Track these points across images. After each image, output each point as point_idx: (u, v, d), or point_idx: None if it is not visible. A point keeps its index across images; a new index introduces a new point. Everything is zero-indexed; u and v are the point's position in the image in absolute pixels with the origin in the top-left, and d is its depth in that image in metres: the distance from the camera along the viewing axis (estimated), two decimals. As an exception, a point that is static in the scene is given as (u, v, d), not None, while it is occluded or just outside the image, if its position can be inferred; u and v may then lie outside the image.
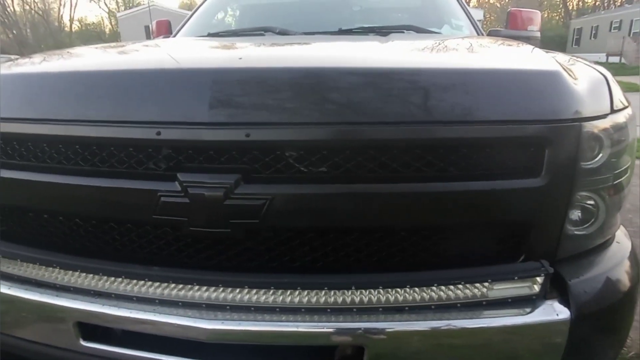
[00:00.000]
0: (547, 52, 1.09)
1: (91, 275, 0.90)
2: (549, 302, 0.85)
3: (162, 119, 0.82)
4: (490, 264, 0.85)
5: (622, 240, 1.04)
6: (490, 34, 2.37)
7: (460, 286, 0.81)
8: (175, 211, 0.83)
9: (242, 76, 0.82)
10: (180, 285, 0.85)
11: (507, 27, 2.45)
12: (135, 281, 0.87)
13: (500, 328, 0.82)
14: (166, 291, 0.86)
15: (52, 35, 37.98)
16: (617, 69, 19.81)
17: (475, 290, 0.83)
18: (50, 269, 0.92)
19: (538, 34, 2.43)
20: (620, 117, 0.92)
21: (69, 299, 0.90)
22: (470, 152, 0.80)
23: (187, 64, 0.87)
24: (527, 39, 2.32)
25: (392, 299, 0.81)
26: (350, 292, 0.81)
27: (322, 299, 0.82)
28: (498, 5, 44.37)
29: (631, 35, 24.03)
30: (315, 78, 0.82)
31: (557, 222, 0.87)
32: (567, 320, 0.82)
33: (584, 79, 0.91)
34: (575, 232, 0.93)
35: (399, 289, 0.81)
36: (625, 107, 0.96)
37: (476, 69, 0.84)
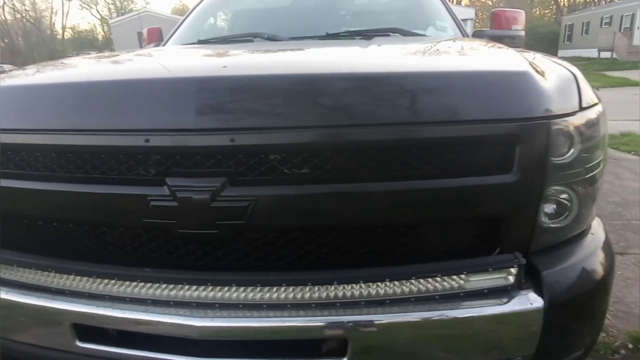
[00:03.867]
0: (521, 52, 1.14)
1: (85, 278, 0.93)
2: (524, 292, 0.89)
3: (150, 127, 0.86)
4: (467, 257, 0.89)
5: (596, 231, 1.09)
6: (475, 35, 2.42)
7: (438, 279, 0.85)
8: (165, 214, 0.87)
9: (225, 84, 0.86)
10: (172, 285, 0.89)
11: (492, 27, 2.50)
12: (128, 282, 0.91)
13: (477, 318, 0.86)
14: (158, 291, 0.90)
15: (45, 44, 37.89)
16: (609, 65, 19.93)
17: (453, 283, 0.87)
18: (46, 273, 0.96)
19: (522, 33, 2.48)
20: (590, 114, 0.97)
21: (64, 302, 0.94)
22: (445, 150, 0.85)
23: (172, 73, 0.91)
24: (512, 39, 2.38)
25: (373, 292, 0.85)
26: (333, 288, 0.85)
27: (307, 295, 0.86)
28: (490, 3, 44.62)
29: (622, 30, 24.24)
30: (294, 83, 0.86)
31: (530, 216, 0.91)
32: (541, 309, 0.86)
33: (554, 78, 0.95)
34: (551, 225, 0.97)
35: (379, 283, 0.85)
36: (595, 104, 1.00)
37: (449, 72, 0.89)
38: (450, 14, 2.27)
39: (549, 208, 0.97)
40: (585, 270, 0.97)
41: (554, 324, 0.88)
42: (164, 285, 0.89)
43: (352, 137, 0.83)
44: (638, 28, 23.57)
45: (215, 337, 0.87)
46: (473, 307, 0.86)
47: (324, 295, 0.85)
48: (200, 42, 2.12)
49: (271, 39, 1.94)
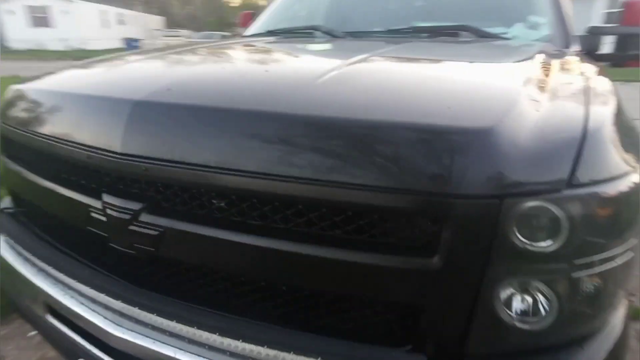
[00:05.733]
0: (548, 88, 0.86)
1: (51, 266, 1.07)
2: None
3: (91, 144, 0.91)
4: (369, 342, 0.75)
5: (596, 342, 0.80)
6: (592, 31, 1.91)
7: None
8: (99, 226, 0.94)
9: (151, 111, 0.86)
10: (98, 292, 0.96)
11: (622, 22, 1.95)
12: (74, 279, 1.02)
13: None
14: (92, 293, 0.98)
15: (216, 11, 42.95)
16: None
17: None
18: (28, 253, 1.13)
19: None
20: (588, 194, 0.69)
21: (40, 280, 1.10)
22: (352, 217, 0.71)
23: (113, 92, 0.93)
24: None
25: (254, 350, 0.79)
26: (217, 335, 0.81)
27: (200, 335, 0.84)
28: None
29: None
30: (211, 117, 0.81)
31: (461, 312, 0.71)
32: None
33: (541, 140, 0.70)
34: (518, 325, 0.75)
35: (260, 346, 0.78)
36: (606, 180, 0.71)
37: (380, 121, 0.72)
38: (555, 6, 1.82)
39: (517, 303, 0.75)
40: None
41: None
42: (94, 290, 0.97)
43: (248, 185, 0.75)
44: None
45: (121, 349, 0.92)
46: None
47: (210, 339, 0.82)
48: (269, 32, 2.14)
49: (328, 33, 1.86)
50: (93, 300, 0.99)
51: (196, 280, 0.88)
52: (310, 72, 0.98)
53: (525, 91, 0.84)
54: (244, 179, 0.75)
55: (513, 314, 0.74)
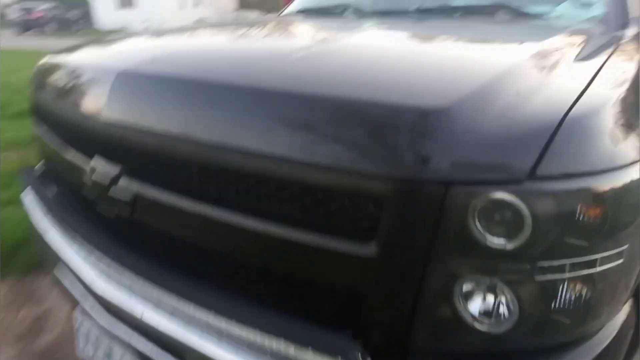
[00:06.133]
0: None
1: (59, 222, 1.17)
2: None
3: (85, 111, 0.98)
4: (316, 322, 0.73)
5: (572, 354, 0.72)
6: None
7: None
8: (90, 188, 1.00)
9: (130, 80, 0.89)
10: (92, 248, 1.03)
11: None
12: (74, 235, 1.10)
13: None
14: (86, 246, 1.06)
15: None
16: None
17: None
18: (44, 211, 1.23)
19: None
20: (564, 188, 0.61)
21: (51, 236, 1.20)
22: (292, 194, 0.69)
23: (106, 63, 0.98)
24: None
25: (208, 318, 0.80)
26: (175, 299, 0.84)
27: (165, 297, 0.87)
28: None
29: None
30: (176, 89, 0.82)
31: (400, 304, 0.67)
32: None
33: (506, 126, 0.63)
34: (474, 325, 0.69)
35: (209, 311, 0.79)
36: (586, 173, 0.62)
37: (324, 95, 0.68)
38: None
39: (473, 301, 0.69)
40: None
41: None
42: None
43: (203, 156, 0.76)
44: None
45: (109, 306, 0.97)
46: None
47: (171, 302, 0.85)
48: (300, 11, 2.12)
49: (357, 12, 1.81)
50: (87, 257, 1.06)
51: (166, 244, 0.92)
52: (288, 50, 0.96)
53: (512, 72, 0.75)
54: (200, 149, 0.76)
55: (468, 312, 0.69)
